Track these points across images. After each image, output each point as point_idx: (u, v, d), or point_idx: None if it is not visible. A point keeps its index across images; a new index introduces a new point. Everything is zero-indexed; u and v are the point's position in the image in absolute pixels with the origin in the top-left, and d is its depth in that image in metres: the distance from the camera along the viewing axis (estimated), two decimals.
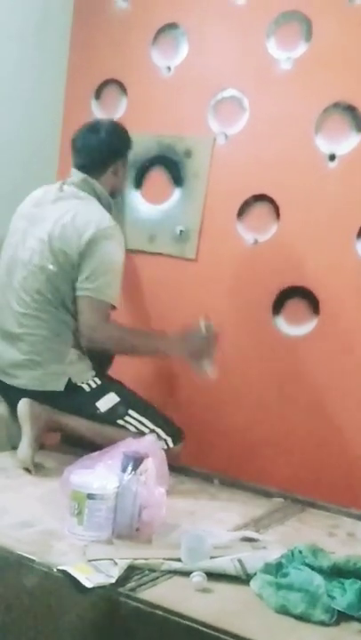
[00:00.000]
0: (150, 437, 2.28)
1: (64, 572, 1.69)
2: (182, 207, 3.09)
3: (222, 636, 1.52)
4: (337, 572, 1.76)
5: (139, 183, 3.19)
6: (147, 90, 3.17)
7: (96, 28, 3.28)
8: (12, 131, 3.17)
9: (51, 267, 2.60)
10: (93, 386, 2.66)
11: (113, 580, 1.67)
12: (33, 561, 1.75)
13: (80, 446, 2.50)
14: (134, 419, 2.65)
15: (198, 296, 3.04)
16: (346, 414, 2.76)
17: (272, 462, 2.87)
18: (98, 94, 3.31)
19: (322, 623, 1.60)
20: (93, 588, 1.64)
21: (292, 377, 2.87)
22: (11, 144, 3.16)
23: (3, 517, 2.02)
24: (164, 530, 2.01)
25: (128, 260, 2.92)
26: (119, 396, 2.68)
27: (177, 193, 3.10)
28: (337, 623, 1.61)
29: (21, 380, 2.62)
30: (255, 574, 1.75)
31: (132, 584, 1.69)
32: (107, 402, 2.66)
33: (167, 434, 2.65)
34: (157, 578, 1.74)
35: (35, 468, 2.42)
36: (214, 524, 2.15)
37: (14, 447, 2.53)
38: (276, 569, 1.76)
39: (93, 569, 1.72)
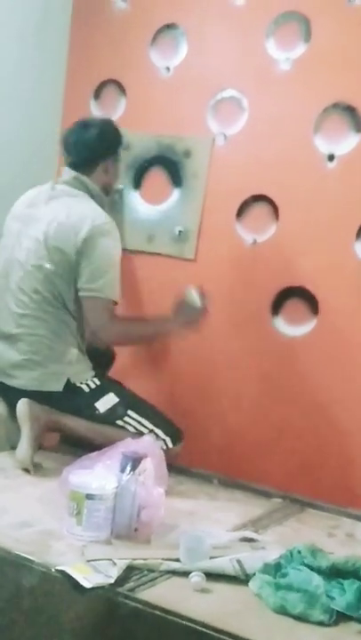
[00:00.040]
0: (149, 438, 2.28)
1: (63, 572, 1.69)
2: (181, 207, 3.09)
3: (221, 637, 1.52)
4: (336, 573, 1.76)
5: (138, 183, 3.19)
6: (146, 90, 3.17)
7: (95, 28, 3.28)
8: (11, 131, 3.17)
9: (48, 265, 2.60)
10: (93, 386, 2.66)
11: (112, 581, 1.67)
12: (32, 561, 1.75)
13: (79, 447, 2.50)
14: (133, 419, 2.65)
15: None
16: (345, 414, 2.76)
17: (271, 462, 2.87)
18: (97, 94, 3.31)
19: (321, 623, 1.61)
20: (92, 589, 1.64)
21: (291, 377, 2.87)
22: (10, 144, 3.16)
23: (2, 517, 2.02)
24: (162, 530, 2.01)
25: (127, 260, 2.92)
26: (118, 396, 2.68)
27: (176, 193, 3.10)
28: (336, 623, 1.61)
29: (20, 380, 2.62)
30: (254, 574, 1.75)
31: (130, 584, 1.69)
32: (106, 402, 2.66)
33: (166, 434, 2.65)
34: (156, 578, 1.74)
35: (34, 469, 2.42)
36: (213, 525, 2.15)
37: (13, 447, 2.53)
38: (275, 569, 1.76)
39: (92, 569, 1.72)
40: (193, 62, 3.07)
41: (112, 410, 2.65)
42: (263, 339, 2.92)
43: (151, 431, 2.60)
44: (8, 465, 2.46)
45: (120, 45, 3.24)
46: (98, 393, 2.66)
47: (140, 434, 2.51)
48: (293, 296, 2.86)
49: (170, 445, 2.64)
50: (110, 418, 2.64)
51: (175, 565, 1.78)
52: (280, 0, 2.87)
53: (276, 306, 2.89)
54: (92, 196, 2.71)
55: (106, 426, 2.62)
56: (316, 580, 1.69)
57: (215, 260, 3.02)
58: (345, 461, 2.76)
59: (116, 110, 3.25)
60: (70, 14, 3.34)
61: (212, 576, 1.74)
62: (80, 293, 2.61)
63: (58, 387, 2.62)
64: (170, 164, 3.10)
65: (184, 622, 1.56)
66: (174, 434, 2.69)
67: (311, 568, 1.75)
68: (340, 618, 1.63)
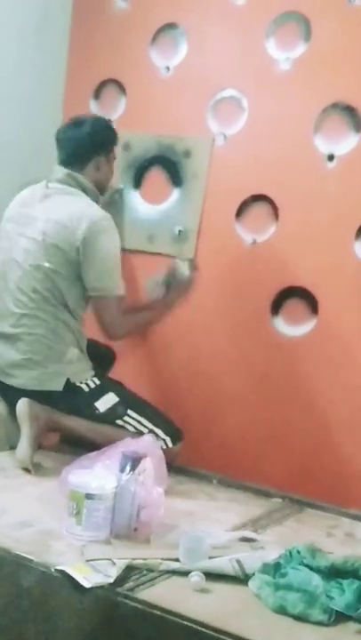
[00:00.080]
0: (149, 437, 2.28)
1: (62, 571, 1.70)
2: (181, 207, 3.09)
3: (220, 636, 1.52)
4: (335, 573, 1.76)
5: (138, 183, 3.19)
6: (146, 90, 3.17)
7: (95, 27, 3.28)
8: (11, 130, 3.17)
9: (47, 264, 2.60)
10: (92, 386, 2.66)
11: (111, 580, 1.67)
12: (31, 561, 1.76)
13: (79, 446, 2.50)
14: (133, 419, 2.65)
15: (197, 296, 3.04)
16: (345, 414, 2.76)
17: (271, 462, 2.87)
18: (97, 94, 3.31)
19: (320, 623, 1.61)
20: (91, 588, 1.65)
21: (290, 377, 2.87)
22: (10, 144, 3.16)
23: (1, 517, 2.02)
24: (162, 530, 2.01)
25: (127, 259, 2.92)
26: (118, 396, 2.68)
27: (176, 193, 3.10)
28: (335, 623, 1.61)
29: (20, 379, 2.62)
30: (253, 574, 1.75)
31: (130, 584, 1.69)
32: (106, 402, 2.66)
33: (166, 434, 2.65)
34: (156, 578, 1.74)
35: (33, 468, 2.42)
36: (213, 525, 2.15)
37: (13, 447, 2.53)
38: (274, 569, 1.76)
39: (91, 569, 1.72)
40: (193, 62, 3.07)
41: (112, 409, 2.65)
42: (263, 339, 2.92)
43: (151, 431, 2.60)
44: (8, 465, 2.46)
45: (120, 45, 3.24)
46: (98, 392, 2.66)
47: (140, 433, 2.51)
48: (293, 296, 2.86)
49: (170, 445, 2.64)
50: (110, 417, 2.64)
51: (175, 565, 1.78)
52: (280, 0, 2.87)
53: (276, 306, 2.89)
54: (86, 193, 2.71)
55: (106, 425, 2.62)
56: (316, 579, 1.69)
57: (215, 259, 3.02)
58: (344, 461, 2.76)
59: (115, 110, 3.25)
60: (70, 14, 3.34)
61: (211, 576, 1.74)
62: (89, 293, 2.65)
63: (58, 386, 2.62)
64: (170, 164, 3.10)
65: (183, 622, 1.56)
66: (174, 433, 2.69)
67: (310, 568, 1.75)
68: (339, 618, 1.63)
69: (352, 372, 2.75)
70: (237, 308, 2.97)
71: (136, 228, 3.16)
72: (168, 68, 3.12)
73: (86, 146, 2.72)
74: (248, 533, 2.06)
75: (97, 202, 2.72)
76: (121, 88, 3.25)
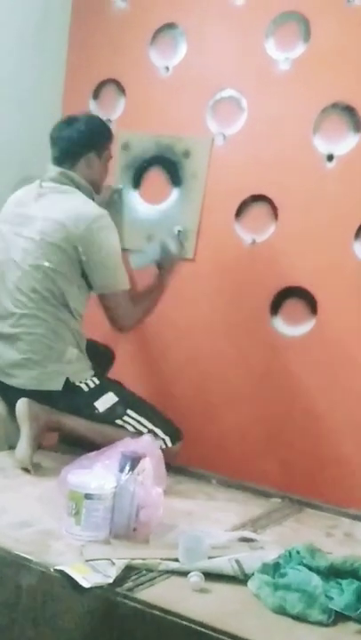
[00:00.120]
0: (148, 437, 2.27)
1: (62, 571, 1.69)
2: (180, 207, 3.09)
3: (220, 636, 1.52)
4: (334, 573, 1.76)
5: (137, 183, 3.19)
6: (145, 90, 3.18)
7: (95, 27, 3.28)
8: (11, 130, 3.17)
9: (46, 264, 2.60)
10: (92, 385, 2.66)
11: (110, 580, 1.67)
12: (30, 561, 1.75)
13: (78, 446, 2.50)
14: (133, 418, 2.65)
15: (196, 296, 3.04)
16: (344, 414, 2.76)
17: (270, 462, 2.87)
18: (96, 94, 3.31)
19: (319, 623, 1.60)
20: (91, 588, 1.64)
21: (290, 377, 2.87)
22: (10, 144, 3.16)
23: (1, 517, 2.01)
24: (161, 530, 2.01)
25: (126, 259, 2.92)
26: (118, 395, 2.68)
27: (175, 193, 3.11)
28: (334, 623, 1.61)
29: (20, 379, 2.62)
30: (253, 574, 1.75)
31: (129, 584, 1.68)
32: (105, 402, 2.66)
33: (165, 433, 2.65)
34: (155, 578, 1.74)
35: (33, 468, 2.42)
36: (212, 525, 2.15)
37: (12, 447, 2.53)
38: (273, 569, 1.76)
39: (91, 569, 1.72)
40: (192, 62, 3.07)
41: (111, 409, 2.65)
42: (262, 339, 2.92)
43: (150, 430, 2.60)
44: (7, 465, 2.46)
45: (119, 45, 3.24)
46: (97, 392, 2.66)
47: (140, 433, 2.51)
48: (292, 296, 2.86)
49: (169, 445, 2.64)
50: (110, 417, 2.64)
51: (174, 565, 1.78)
52: (280, 0, 2.87)
53: (275, 306, 2.89)
54: (81, 190, 2.71)
55: (105, 425, 2.62)
56: (315, 580, 1.69)
57: (214, 259, 3.02)
58: (344, 461, 2.76)
59: (115, 110, 3.25)
60: (70, 14, 3.35)
61: (210, 576, 1.74)
62: (98, 291, 2.67)
63: (57, 386, 2.62)
64: (169, 164, 3.11)
65: (183, 622, 1.55)
66: (173, 433, 2.69)
67: (310, 568, 1.75)
68: (338, 618, 1.62)
69: (351, 371, 2.75)
70: (237, 308, 2.98)
71: (135, 227, 3.16)
72: (167, 68, 3.13)
73: (77, 143, 2.72)
74: (247, 533, 2.06)
75: (92, 199, 2.73)
76: (120, 88, 3.25)
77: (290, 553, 1.83)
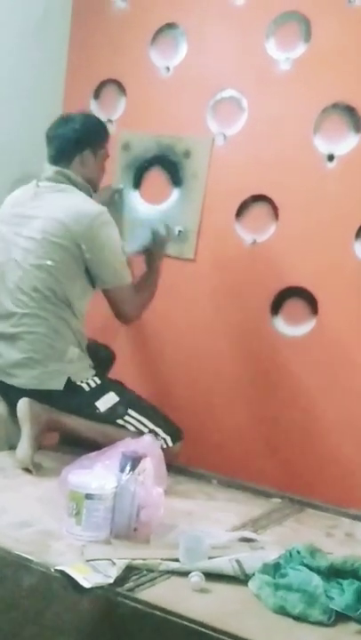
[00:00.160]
0: (148, 437, 2.27)
1: (62, 572, 1.69)
2: (181, 207, 3.09)
3: (220, 637, 1.52)
4: (335, 573, 1.76)
5: (137, 183, 3.19)
6: (145, 90, 3.18)
7: (95, 27, 3.29)
8: (11, 130, 3.17)
9: (49, 262, 2.60)
10: (93, 385, 2.66)
11: (111, 581, 1.67)
12: (31, 561, 1.75)
13: (79, 446, 2.50)
14: (134, 418, 2.65)
15: (197, 296, 3.05)
16: (344, 414, 2.77)
17: (270, 462, 2.87)
18: (97, 94, 3.31)
19: (320, 623, 1.60)
20: (91, 589, 1.64)
21: (290, 377, 2.87)
22: (10, 144, 3.16)
23: (1, 517, 2.01)
24: (161, 530, 2.01)
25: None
26: (119, 395, 2.68)
27: (176, 193, 3.11)
28: (335, 623, 1.61)
29: (21, 379, 2.62)
30: (253, 575, 1.75)
31: (130, 584, 1.68)
32: (106, 401, 2.66)
33: (166, 433, 2.65)
34: (155, 578, 1.74)
35: (34, 468, 2.42)
36: (212, 525, 2.15)
37: (12, 447, 2.53)
38: (274, 569, 1.76)
39: (91, 569, 1.72)
40: (193, 62, 3.07)
41: (112, 409, 2.65)
42: (263, 339, 2.92)
43: (151, 430, 2.60)
44: (8, 464, 2.46)
45: (120, 45, 3.24)
46: (98, 392, 2.66)
47: (141, 433, 2.51)
48: (293, 296, 2.86)
49: (170, 444, 2.64)
50: (111, 417, 2.64)
51: (174, 565, 1.78)
52: (280, 0, 2.87)
53: (276, 306, 2.89)
54: (78, 188, 2.71)
55: (106, 425, 2.61)
56: (316, 580, 1.69)
57: (215, 260, 3.02)
58: (344, 461, 2.76)
59: (115, 110, 3.26)
60: (70, 14, 3.35)
61: (211, 576, 1.74)
62: (102, 287, 2.69)
63: (58, 385, 2.62)
64: (169, 164, 3.11)
65: (183, 622, 1.55)
66: (174, 433, 2.69)
67: (310, 568, 1.75)
68: (339, 618, 1.62)
69: (352, 371, 2.75)
70: (237, 308, 2.98)
71: (136, 228, 3.16)
72: (168, 68, 3.13)
73: (72, 142, 2.73)
74: (248, 533, 2.06)
75: (90, 197, 2.73)
76: (121, 88, 3.25)
77: (290, 553, 1.83)
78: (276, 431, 2.89)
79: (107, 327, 3.09)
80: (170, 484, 2.23)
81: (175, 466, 2.54)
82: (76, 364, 2.65)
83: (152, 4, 3.18)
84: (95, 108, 3.29)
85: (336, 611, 1.63)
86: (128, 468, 2.00)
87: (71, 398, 2.63)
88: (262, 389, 2.93)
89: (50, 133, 2.76)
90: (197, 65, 3.06)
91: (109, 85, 3.28)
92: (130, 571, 1.74)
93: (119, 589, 1.65)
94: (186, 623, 1.55)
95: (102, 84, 3.29)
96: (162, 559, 1.79)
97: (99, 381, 2.68)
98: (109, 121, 3.23)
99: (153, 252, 2.91)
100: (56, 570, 1.71)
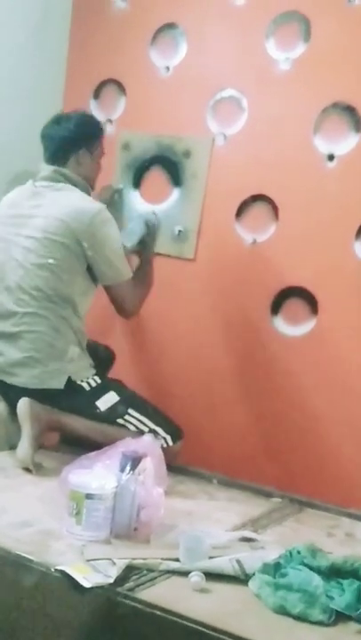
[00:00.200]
0: (149, 437, 2.27)
1: (62, 571, 1.69)
2: (181, 207, 3.09)
3: (221, 636, 1.52)
4: (335, 573, 1.76)
5: (137, 183, 3.19)
6: (145, 90, 3.18)
7: (95, 27, 3.29)
8: (11, 130, 3.17)
9: (51, 261, 2.61)
10: (93, 385, 2.66)
11: (111, 580, 1.67)
12: (31, 561, 1.75)
13: (79, 446, 2.50)
14: (134, 418, 2.65)
15: (196, 296, 3.05)
16: (344, 414, 2.76)
17: (270, 462, 2.87)
18: (97, 94, 3.31)
19: (320, 623, 1.61)
20: (91, 588, 1.64)
21: (290, 377, 2.87)
22: (10, 144, 3.16)
23: (1, 517, 2.01)
24: (162, 530, 2.01)
25: (126, 259, 2.92)
26: (119, 395, 2.68)
27: (176, 193, 3.11)
28: (335, 623, 1.61)
29: (21, 378, 2.62)
30: (253, 574, 1.75)
31: (130, 584, 1.68)
32: (106, 401, 2.66)
33: (166, 432, 2.65)
34: (156, 578, 1.74)
35: (34, 468, 2.42)
36: (212, 524, 2.15)
37: (13, 447, 2.53)
38: (274, 569, 1.76)
39: (91, 569, 1.72)
40: (193, 62, 3.07)
41: (113, 408, 2.65)
42: (263, 338, 2.92)
43: (152, 430, 2.60)
44: (8, 464, 2.46)
45: (120, 45, 3.24)
46: (99, 391, 2.66)
47: (141, 432, 2.51)
48: (293, 296, 2.86)
49: (170, 444, 2.64)
50: (111, 416, 2.64)
51: (174, 565, 1.78)
52: (280, 0, 2.87)
53: (276, 306, 2.89)
54: (76, 186, 2.71)
55: (106, 424, 2.61)
56: (316, 579, 1.69)
57: (215, 259, 3.02)
58: (344, 461, 2.76)
59: (115, 110, 3.26)
60: (70, 14, 3.35)
61: (211, 576, 1.74)
62: (104, 284, 2.71)
63: (59, 384, 2.62)
64: (169, 164, 3.11)
65: (183, 622, 1.55)
66: (174, 432, 2.69)
67: (311, 568, 1.75)
68: (339, 618, 1.63)
69: (351, 371, 2.75)
70: (237, 308, 2.98)
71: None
72: (168, 68, 3.13)
73: (67, 141, 2.73)
74: (248, 533, 2.06)
75: (89, 195, 2.73)
76: (121, 88, 3.25)
77: (291, 553, 1.83)
78: (276, 431, 2.89)
79: (106, 327, 3.10)
80: (170, 484, 2.23)
81: (175, 465, 2.54)
82: (76, 364, 2.65)
83: (152, 3, 3.18)
84: (95, 108, 3.29)
85: (336, 610, 1.63)
86: (128, 467, 2.00)
87: (72, 397, 2.63)
88: (262, 389, 2.93)
89: (45, 133, 2.77)
90: (197, 65, 3.06)
91: (109, 85, 3.28)
92: (130, 570, 1.74)
93: (119, 589, 1.65)
94: (186, 623, 1.55)
95: (102, 84, 3.29)
96: (162, 559, 1.79)
97: (99, 381, 2.68)
98: (109, 121, 3.23)
99: (147, 242, 2.92)
100: (56, 570, 1.71)
